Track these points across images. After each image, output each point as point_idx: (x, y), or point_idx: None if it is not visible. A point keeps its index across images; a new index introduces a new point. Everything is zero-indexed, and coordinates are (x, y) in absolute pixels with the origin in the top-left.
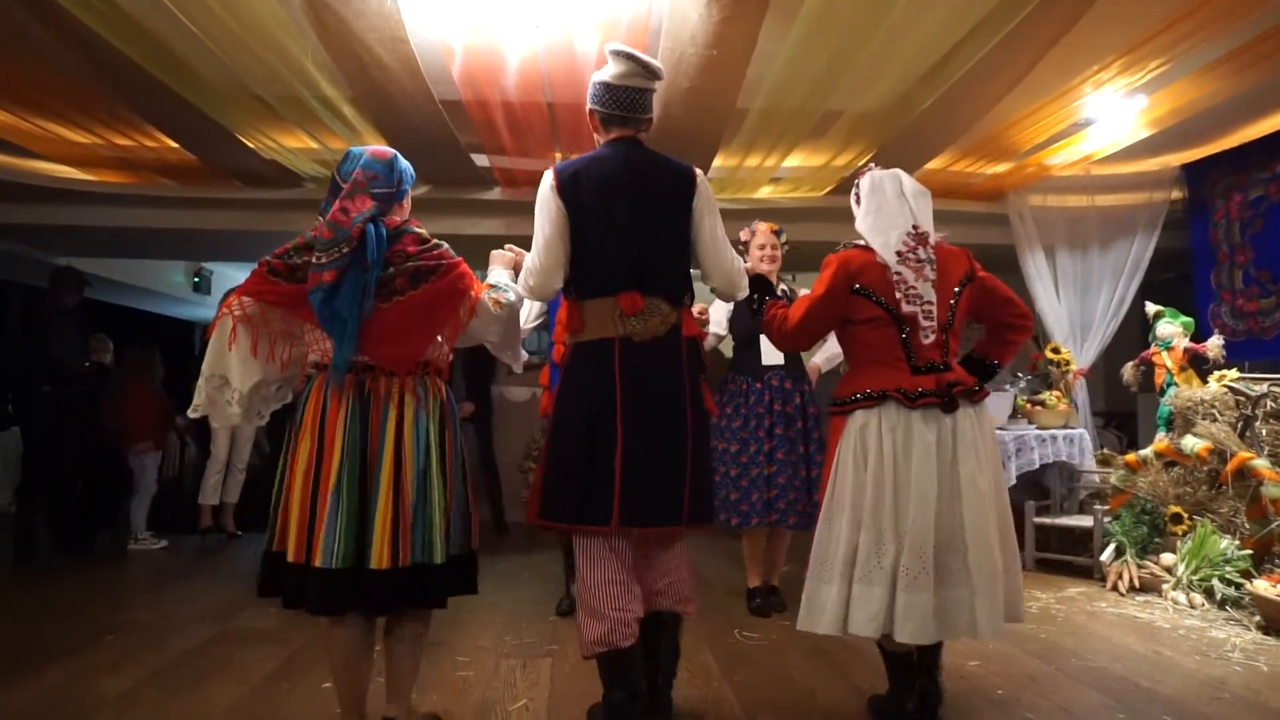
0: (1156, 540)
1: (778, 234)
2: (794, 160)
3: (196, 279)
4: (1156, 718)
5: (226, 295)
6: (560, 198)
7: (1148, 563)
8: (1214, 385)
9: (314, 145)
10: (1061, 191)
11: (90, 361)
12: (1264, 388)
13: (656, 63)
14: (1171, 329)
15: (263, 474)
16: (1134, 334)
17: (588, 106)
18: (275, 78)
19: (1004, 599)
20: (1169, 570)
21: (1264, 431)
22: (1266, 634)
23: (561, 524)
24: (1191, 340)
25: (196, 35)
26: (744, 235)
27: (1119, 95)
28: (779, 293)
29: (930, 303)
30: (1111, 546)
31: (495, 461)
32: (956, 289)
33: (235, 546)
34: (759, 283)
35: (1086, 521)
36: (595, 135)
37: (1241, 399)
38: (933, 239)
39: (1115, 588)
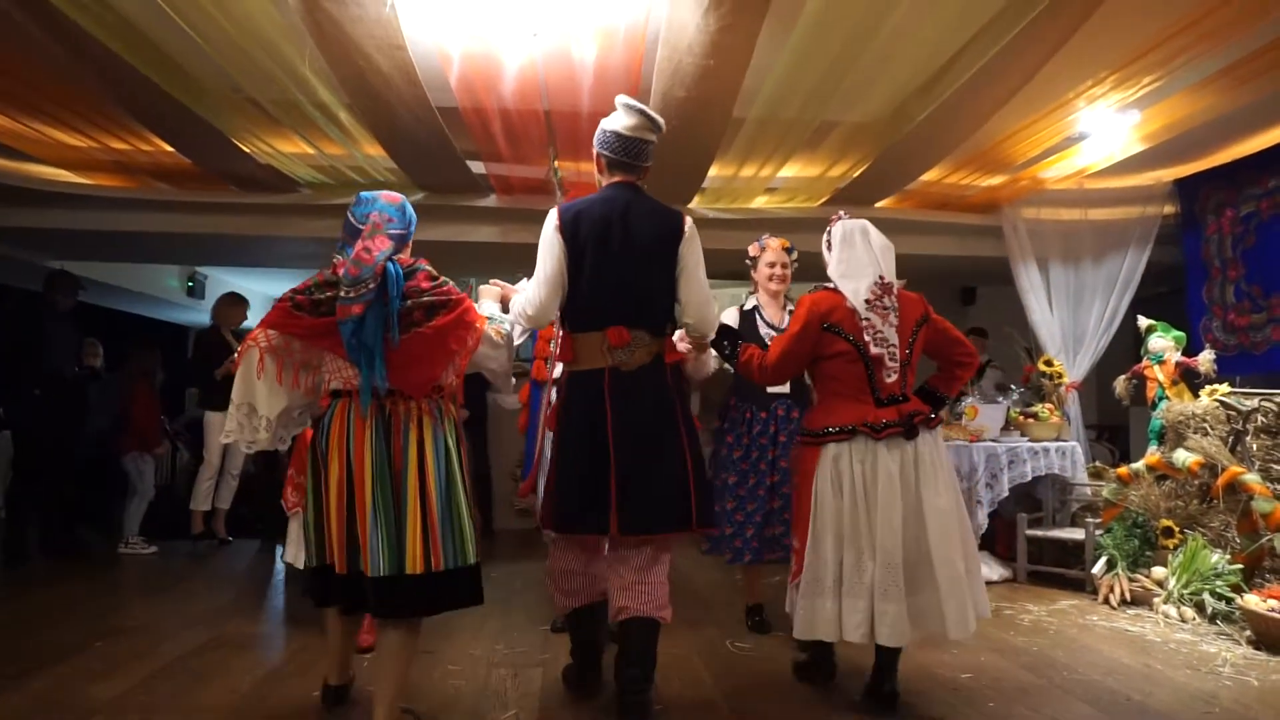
0: (1148, 554)
1: (789, 251)
2: (790, 170)
3: (190, 283)
4: None
5: (249, 330)
6: (562, 237)
7: (1139, 576)
8: (1205, 399)
9: (310, 150)
10: (1055, 205)
11: (81, 366)
12: (1255, 402)
13: (660, 118)
14: (1163, 343)
15: (256, 481)
16: (1126, 348)
17: (595, 149)
18: (271, 82)
19: (970, 599)
20: (1160, 584)
21: (1255, 446)
22: (1257, 649)
23: (571, 533)
24: (1183, 354)
25: (192, 39)
26: (753, 250)
27: (1112, 110)
28: (779, 325)
29: (894, 345)
30: (1103, 559)
31: (489, 469)
32: (914, 329)
33: (227, 552)
34: (726, 331)
35: (1078, 534)
36: (599, 176)
37: (1233, 413)
38: (895, 288)
39: (1106, 601)
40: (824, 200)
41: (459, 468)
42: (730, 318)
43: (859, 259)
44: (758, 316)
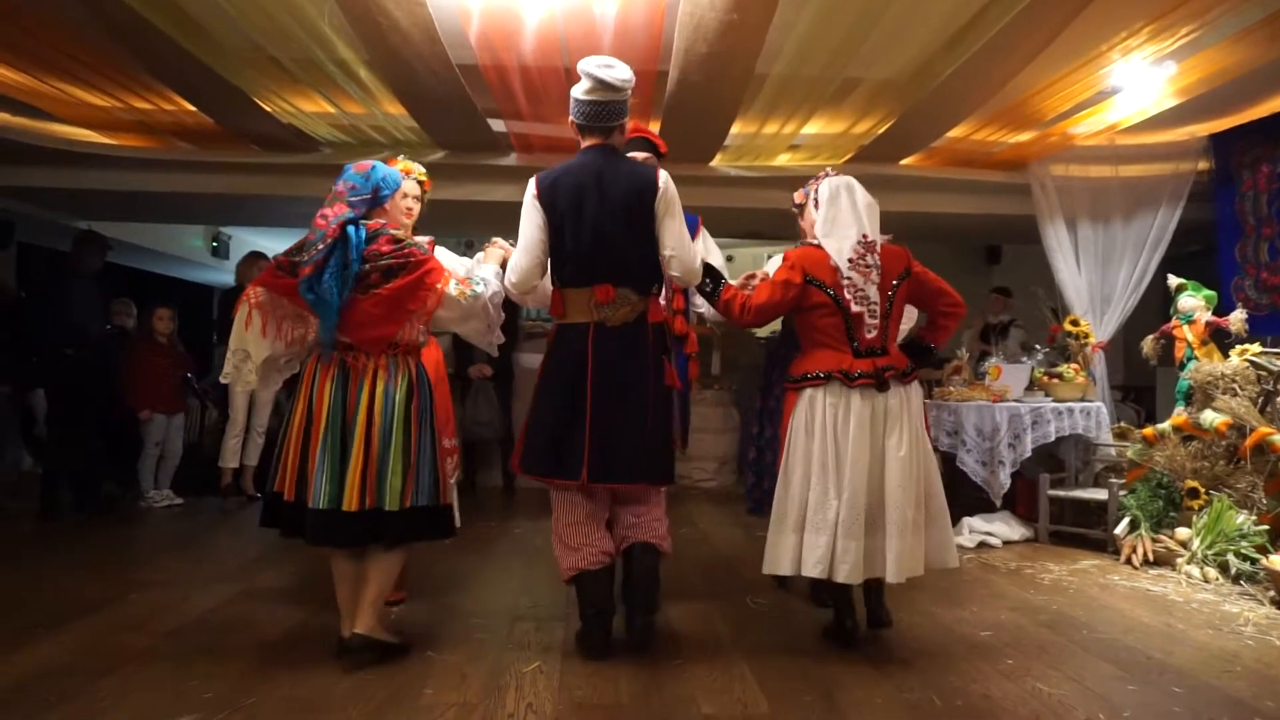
0: (1172, 515)
1: None
2: (813, 127)
3: (215, 243)
4: (1166, 689)
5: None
6: (540, 204)
7: (1162, 537)
8: (1235, 359)
9: (330, 109)
10: (1085, 161)
11: (112, 325)
12: None
13: (619, 76)
14: (1193, 302)
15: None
16: (1155, 307)
17: (569, 119)
18: (291, 40)
19: (923, 548)
20: (1184, 545)
21: None
22: None
23: (539, 476)
24: (1214, 314)
25: None
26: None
27: (1147, 63)
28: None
29: (875, 303)
30: (1126, 520)
31: (511, 428)
32: (895, 282)
33: (254, 508)
34: (709, 270)
35: (1101, 495)
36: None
37: (1263, 374)
38: (879, 245)
39: (1129, 561)
40: (848, 158)
41: (407, 420)
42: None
43: (844, 217)
44: None
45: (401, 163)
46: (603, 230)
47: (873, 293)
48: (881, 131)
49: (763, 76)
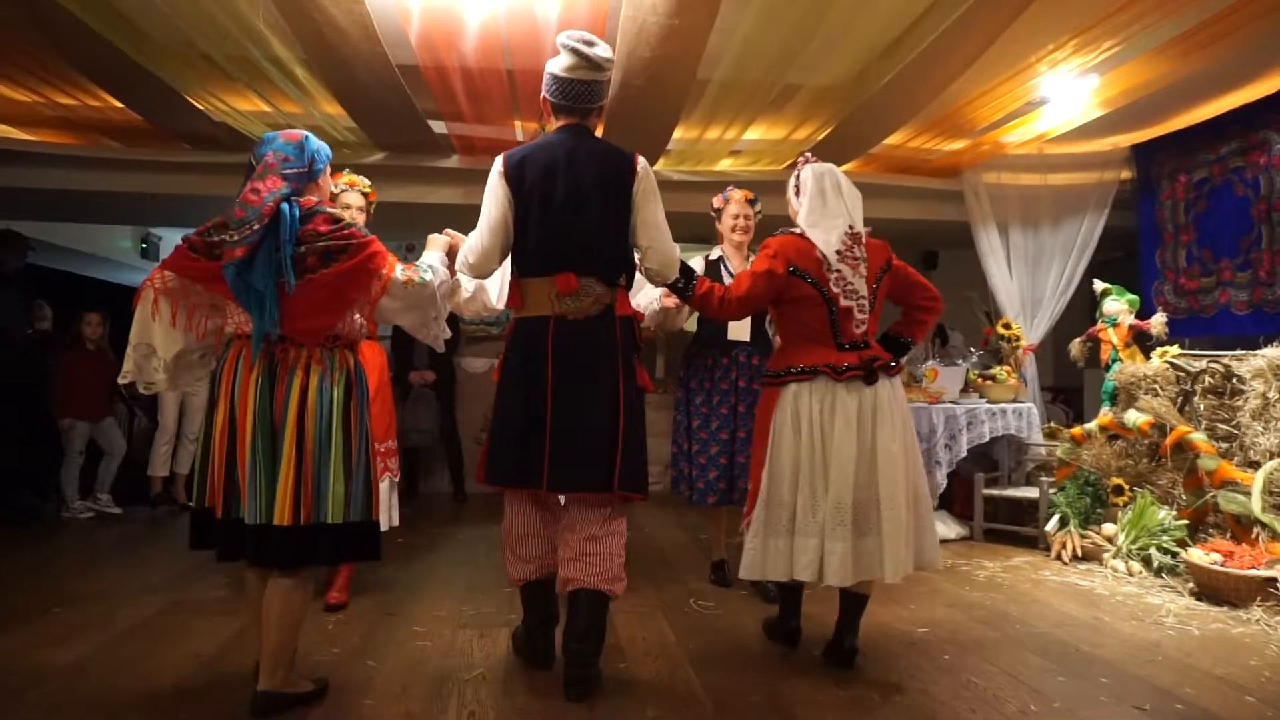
0: (1099, 511)
1: (752, 203)
2: (754, 133)
3: (144, 244)
4: (1094, 680)
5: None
6: (507, 182)
7: (1090, 532)
8: (1156, 361)
9: (266, 108)
10: (1015, 169)
11: (32, 329)
12: (1203, 364)
13: (603, 54)
14: (1117, 306)
15: None
16: (1082, 311)
17: (541, 93)
18: (225, 36)
19: (914, 547)
20: (1110, 540)
21: (1202, 406)
22: (1199, 600)
23: (501, 486)
24: (1136, 317)
25: None
26: (717, 202)
27: (1073, 75)
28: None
29: (864, 296)
30: (1056, 517)
31: (458, 431)
32: (878, 276)
33: (186, 517)
34: (680, 265)
35: (1033, 493)
36: (547, 120)
37: (1182, 374)
38: (864, 237)
39: (1059, 557)
40: (788, 163)
41: (346, 423)
42: (696, 265)
43: (830, 208)
44: (722, 267)
45: (345, 175)
46: (571, 212)
47: (861, 286)
48: (821, 138)
49: (704, 82)
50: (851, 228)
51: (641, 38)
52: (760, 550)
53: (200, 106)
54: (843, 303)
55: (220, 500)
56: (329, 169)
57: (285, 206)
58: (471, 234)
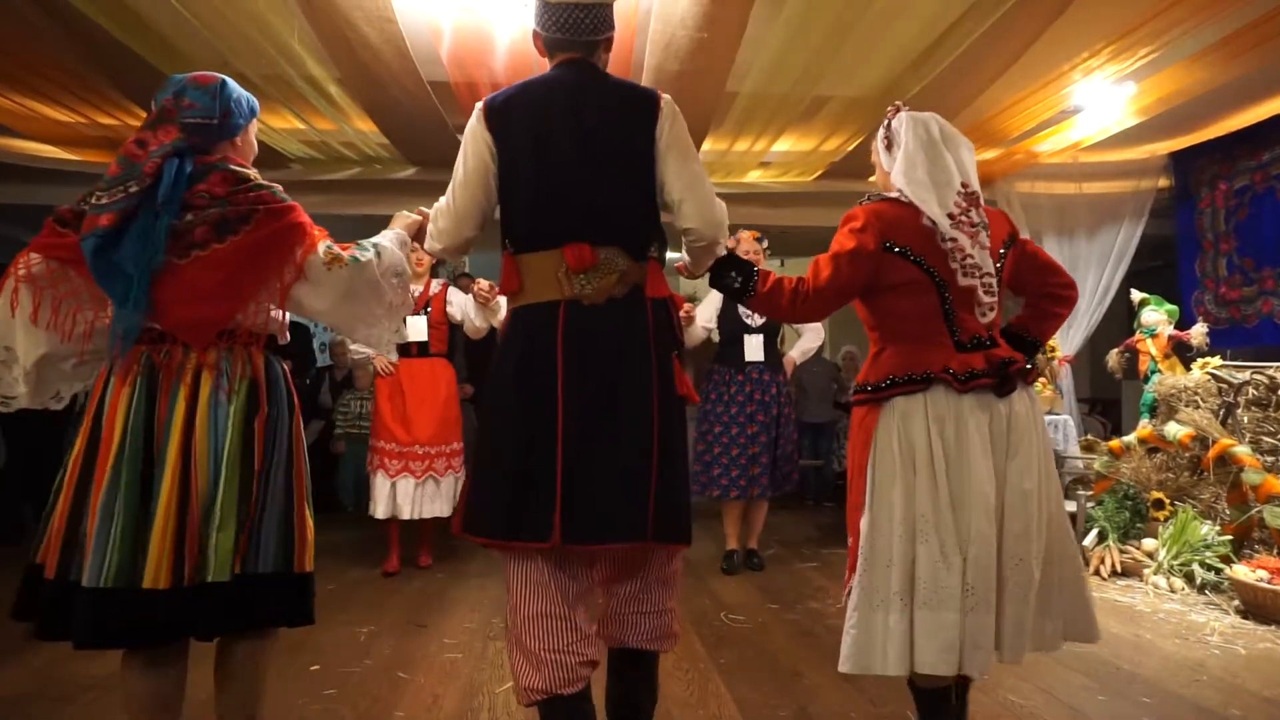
0: (1138, 525)
1: (760, 240)
2: (783, 145)
3: None
4: (1135, 699)
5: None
6: (488, 128)
7: (1129, 548)
8: (1197, 372)
9: (300, 125)
10: (1049, 179)
11: None
12: (1246, 375)
13: None
14: (1156, 316)
15: None
16: (1119, 321)
17: (532, 28)
18: (260, 56)
19: (1050, 622)
20: (1150, 555)
21: (1245, 419)
22: (1245, 618)
23: (491, 540)
24: (1176, 328)
25: (180, 12)
26: (729, 243)
27: (1108, 82)
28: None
29: (990, 275)
30: (1094, 532)
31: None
32: (1002, 250)
33: None
34: (735, 260)
35: (1070, 507)
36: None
37: (1224, 386)
38: (981, 199)
39: (1097, 572)
40: (818, 174)
41: (249, 447)
42: (713, 302)
43: (937, 161)
44: (738, 307)
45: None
46: (579, 165)
47: (985, 262)
48: (851, 149)
49: (733, 94)
50: (965, 185)
51: (670, 51)
52: (864, 631)
53: None
54: (961, 281)
55: (56, 554)
56: (254, 125)
57: (173, 163)
58: (440, 199)
